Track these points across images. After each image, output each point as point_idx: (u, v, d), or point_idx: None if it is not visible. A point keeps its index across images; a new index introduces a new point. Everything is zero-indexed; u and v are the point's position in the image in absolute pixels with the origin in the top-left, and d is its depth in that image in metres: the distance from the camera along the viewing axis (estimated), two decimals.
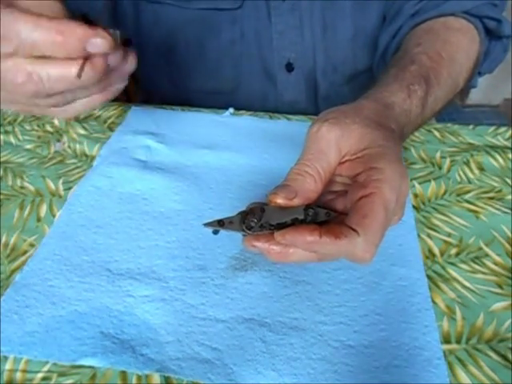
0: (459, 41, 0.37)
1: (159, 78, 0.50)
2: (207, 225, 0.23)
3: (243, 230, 0.22)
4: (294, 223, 0.22)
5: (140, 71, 0.52)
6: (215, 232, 0.24)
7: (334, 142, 0.23)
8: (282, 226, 0.22)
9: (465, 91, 0.40)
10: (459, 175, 0.36)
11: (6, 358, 0.23)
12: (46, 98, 0.22)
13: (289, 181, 0.23)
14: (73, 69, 0.20)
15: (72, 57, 0.20)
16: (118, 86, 0.24)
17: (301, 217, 0.22)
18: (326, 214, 0.23)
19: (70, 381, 0.22)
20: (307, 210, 0.22)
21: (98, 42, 0.20)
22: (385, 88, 0.29)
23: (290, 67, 0.47)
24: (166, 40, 0.46)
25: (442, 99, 0.34)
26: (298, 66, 0.47)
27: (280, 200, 0.22)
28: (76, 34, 0.20)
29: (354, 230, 0.20)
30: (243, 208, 0.24)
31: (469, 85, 0.41)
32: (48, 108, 0.23)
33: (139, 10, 0.44)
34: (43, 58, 0.20)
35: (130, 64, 0.23)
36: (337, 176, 0.25)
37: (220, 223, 0.23)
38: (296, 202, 0.22)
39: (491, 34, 0.40)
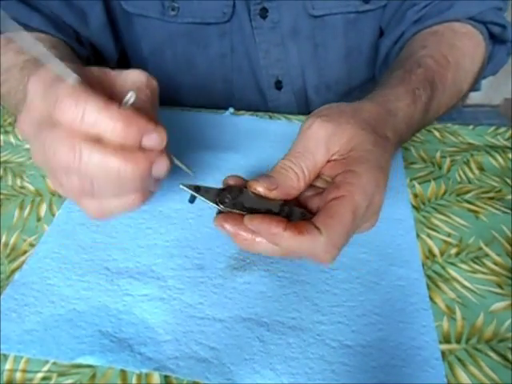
0: (465, 45, 0.37)
1: None
2: (184, 185, 0.23)
3: (216, 202, 0.22)
4: (267, 213, 0.22)
5: None
6: (191, 200, 0.23)
7: (324, 140, 0.23)
8: (253, 212, 0.22)
9: (466, 93, 0.40)
10: (459, 175, 0.36)
11: (5, 357, 0.23)
12: (72, 177, 0.20)
13: (273, 172, 0.23)
14: (115, 161, 0.19)
15: (125, 145, 0.19)
16: (152, 189, 0.23)
17: (275, 210, 0.22)
18: (301, 214, 0.22)
19: (70, 381, 0.22)
20: (283, 207, 0.22)
21: (154, 137, 0.20)
22: (390, 91, 0.29)
23: (279, 85, 0.46)
24: (155, 54, 0.45)
25: (445, 104, 0.34)
26: (287, 83, 0.46)
27: (260, 188, 0.22)
28: (137, 124, 0.19)
29: (318, 228, 0.20)
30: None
31: (472, 88, 0.41)
32: (75, 192, 0.21)
33: (129, 22, 0.43)
34: (95, 139, 0.19)
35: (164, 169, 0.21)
36: (321, 173, 0.24)
37: (196, 188, 0.23)
38: (275, 194, 0.22)
39: (495, 38, 0.40)
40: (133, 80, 0.22)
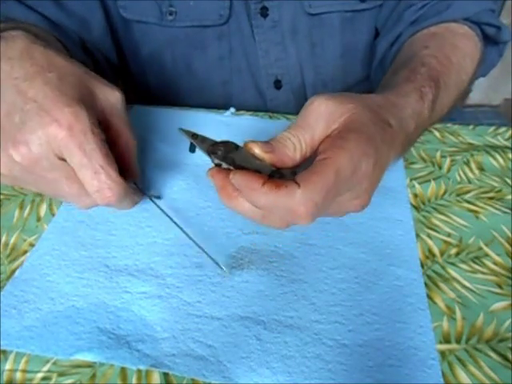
0: (466, 46, 0.36)
1: (149, 95, 0.49)
2: (182, 130, 0.24)
3: (208, 153, 0.23)
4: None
5: (133, 87, 0.52)
6: (192, 149, 0.24)
7: (324, 116, 0.23)
8: (242, 169, 0.22)
9: (465, 94, 0.40)
10: (459, 175, 0.36)
11: (6, 357, 0.23)
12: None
13: (271, 140, 0.23)
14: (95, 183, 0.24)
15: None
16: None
17: (265, 173, 0.22)
18: (292, 173, 0.22)
19: (70, 381, 0.22)
20: (274, 173, 0.22)
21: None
22: (397, 89, 0.28)
23: (278, 84, 0.46)
24: (154, 58, 0.45)
25: (448, 104, 0.33)
26: (286, 82, 0.46)
27: (256, 149, 0.22)
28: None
29: (297, 183, 0.20)
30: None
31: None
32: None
33: (128, 28, 0.44)
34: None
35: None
36: (318, 150, 0.24)
37: (194, 136, 0.23)
38: (269, 157, 0.22)
39: (488, 39, 0.40)
40: (116, 98, 0.26)
